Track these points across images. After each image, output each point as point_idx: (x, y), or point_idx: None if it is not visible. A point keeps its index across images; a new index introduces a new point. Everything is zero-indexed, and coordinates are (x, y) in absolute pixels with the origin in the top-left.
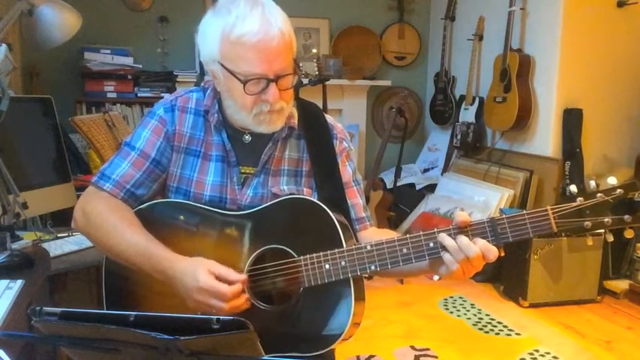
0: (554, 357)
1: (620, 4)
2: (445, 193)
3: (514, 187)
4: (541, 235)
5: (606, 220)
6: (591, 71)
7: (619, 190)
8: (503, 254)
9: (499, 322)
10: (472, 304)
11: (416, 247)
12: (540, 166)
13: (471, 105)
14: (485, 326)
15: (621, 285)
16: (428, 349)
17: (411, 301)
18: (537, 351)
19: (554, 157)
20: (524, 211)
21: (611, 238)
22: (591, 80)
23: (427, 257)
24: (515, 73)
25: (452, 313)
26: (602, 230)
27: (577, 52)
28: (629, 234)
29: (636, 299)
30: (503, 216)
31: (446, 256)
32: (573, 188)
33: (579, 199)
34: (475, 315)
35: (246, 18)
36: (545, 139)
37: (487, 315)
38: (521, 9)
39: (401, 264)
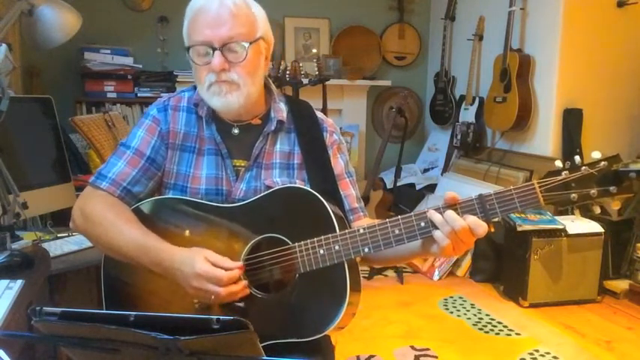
0: (554, 357)
1: (620, 4)
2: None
3: None
4: (541, 235)
5: (592, 191)
6: (591, 71)
7: (603, 163)
8: (492, 230)
9: (499, 322)
10: (472, 304)
11: (407, 227)
12: (540, 166)
13: (471, 105)
14: (485, 326)
15: (621, 285)
16: (428, 349)
17: (411, 301)
18: (537, 351)
19: (554, 157)
20: (512, 187)
21: (598, 210)
22: (591, 80)
23: (419, 237)
24: (515, 73)
25: (452, 313)
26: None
27: (577, 52)
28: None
29: (636, 299)
30: (491, 192)
31: (436, 233)
32: (558, 163)
33: (564, 173)
34: (475, 315)
35: None
36: (545, 139)
37: (487, 315)
38: (521, 9)
39: (393, 245)
